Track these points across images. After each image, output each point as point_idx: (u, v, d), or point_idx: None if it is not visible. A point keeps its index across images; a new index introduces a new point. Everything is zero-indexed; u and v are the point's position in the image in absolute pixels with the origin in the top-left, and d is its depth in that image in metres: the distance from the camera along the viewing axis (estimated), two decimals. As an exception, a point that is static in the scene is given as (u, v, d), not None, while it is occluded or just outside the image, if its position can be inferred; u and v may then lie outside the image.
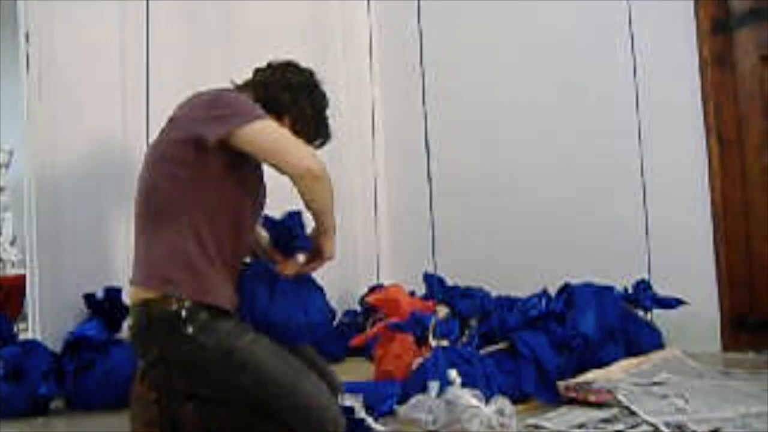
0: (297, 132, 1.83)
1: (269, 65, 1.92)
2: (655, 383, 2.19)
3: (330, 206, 1.73)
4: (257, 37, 3.23)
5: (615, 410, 1.97)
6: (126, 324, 2.08)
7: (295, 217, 1.85)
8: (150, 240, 1.71)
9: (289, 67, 1.93)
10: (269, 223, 1.86)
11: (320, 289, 1.84)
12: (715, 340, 2.78)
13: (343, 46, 3.76)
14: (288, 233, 1.84)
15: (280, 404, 1.62)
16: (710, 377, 2.29)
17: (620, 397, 2.01)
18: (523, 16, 3.36)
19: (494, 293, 2.95)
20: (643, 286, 2.68)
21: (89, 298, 2.63)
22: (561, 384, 2.14)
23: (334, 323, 3.21)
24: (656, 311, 2.67)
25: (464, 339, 2.43)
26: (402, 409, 1.91)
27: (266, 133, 1.65)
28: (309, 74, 1.93)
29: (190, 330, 1.63)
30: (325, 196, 1.70)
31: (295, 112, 1.87)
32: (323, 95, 1.94)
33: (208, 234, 1.65)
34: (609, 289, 2.56)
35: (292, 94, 1.87)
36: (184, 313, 1.63)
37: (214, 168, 1.65)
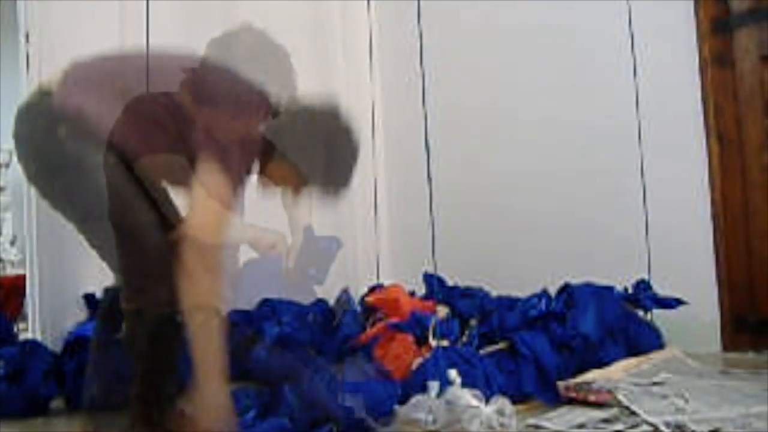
0: (243, 120, 1.77)
1: (199, 64, 1.83)
2: (655, 383, 2.19)
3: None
4: (257, 37, 3.22)
5: (615, 410, 1.97)
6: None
7: (334, 245, 1.86)
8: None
9: (317, 113, 1.85)
10: (309, 234, 1.87)
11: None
12: (715, 340, 2.78)
13: (343, 46, 3.76)
14: (316, 255, 1.86)
15: None
16: (710, 377, 2.29)
17: (620, 397, 2.01)
18: (523, 16, 3.36)
19: (494, 293, 2.94)
20: (643, 286, 2.68)
21: (89, 298, 2.63)
22: (561, 384, 2.14)
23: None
24: (656, 311, 2.67)
25: (464, 339, 2.42)
26: (402, 409, 1.91)
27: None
28: (336, 124, 1.85)
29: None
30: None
31: (220, 103, 1.76)
32: (346, 153, 1.85)
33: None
34: (609, 289, 2.56)
35: (215, 84, 1.78)
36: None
37: None
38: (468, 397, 1.83)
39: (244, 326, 2.83)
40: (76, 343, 2.47)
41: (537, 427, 1.90)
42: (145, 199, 1.73)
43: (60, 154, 1.73)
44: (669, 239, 2.87)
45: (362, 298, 3.28)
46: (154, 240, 1.70)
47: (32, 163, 1.81)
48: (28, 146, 1.80)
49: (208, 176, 1.69)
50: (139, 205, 1.71)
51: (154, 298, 1.66)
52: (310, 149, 1.81)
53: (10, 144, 5.84)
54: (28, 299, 2.72)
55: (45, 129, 1.75)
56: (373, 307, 2.89)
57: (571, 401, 2.08)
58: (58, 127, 1.72)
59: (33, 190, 2.66)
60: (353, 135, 1.88)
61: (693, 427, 1.77)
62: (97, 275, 2.68)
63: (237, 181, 1.77)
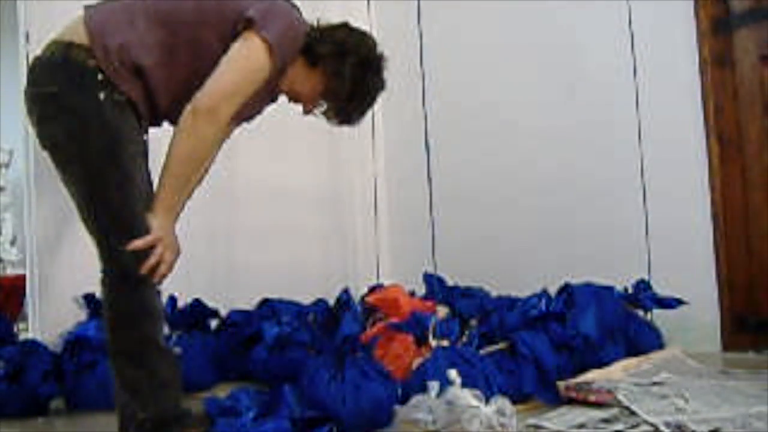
0: (329, 88, 1.83)
1: (345, 24, 1.92)
2: (655, 383, 2.19)
3: (180, 168, 1.69)
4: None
5: (615, 410, 1.97)
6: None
7: None
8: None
9: (356, 33, 1.90)
10: None
11: None
12: (715, 340, 2.78)
13: (343, 46, 3.76)
14: None
15: None
16: (710, 377, 2.29)
17: (620, 397, 2.01)
18: (523, 16, 3.36)
19: (494, 293, 2.95)
20: (643, 286, 2.68)
21: (89, 298, 2.63)
22: (561, 384, 2.14)
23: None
24: (656, 311, 2.67)
25: (464, 339, 2.42)
26: (402, 409, 1.91)
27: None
28: (373, 50, 1.88)
29: None
30: (186, 146, 1.67)
31: (331, 69, 1.82)
32: (376, 79, 1.88)
33: None
34: (609, 289, 2.56)
35: (338, 51, 1.83)
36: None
37: None
38: (468, 397, 1.83)
39: (244, 326, 2.84)
40: (76, 343, 2.48)
41: (537, 427, 1.90)
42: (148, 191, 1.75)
43: (98, 121, 1.66)
44: (669, 239, 2.87)
45: (362, 298, 3.29)
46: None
47: (60, 126, 1.68)
48: (57, 107, 1.68)
49: (247, 45, 1.71)
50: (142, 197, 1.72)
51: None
52: (342, 61, 1.83)
53: (10, 144, 5.83)
54: (28, 299, 2.73)
55: (81, 88, 1.67)
56: (373, 307, 2.90)
57: (571, 401, 2.08)
58: (97, 91, 1.67)
59: (33, 190, 2.67)
60: (385, 65, 1.90)
61: (693, 427, 1.77)
62: (97, 275, 2.70)
63: (275, 63, 1.75)
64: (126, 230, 1.67)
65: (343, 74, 1.83)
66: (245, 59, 1.71)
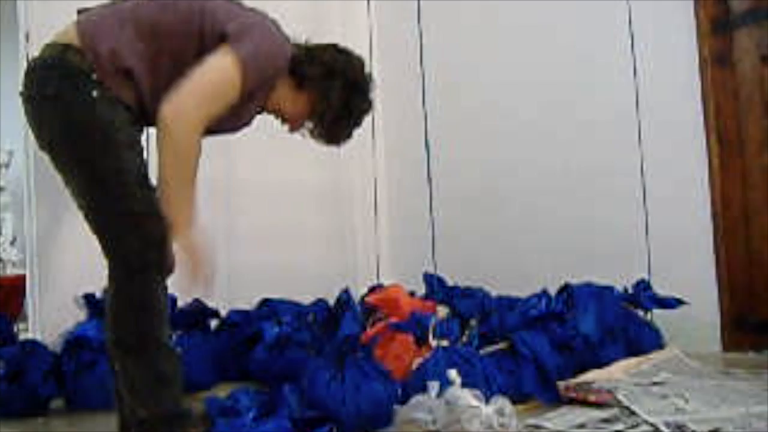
0: (316, 110, 1.84)
1: (333, 45, 1.92)
2: (655, 383, 2.19)
3: (175, 182, 1.69)
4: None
5: (615, 410, 1.97)
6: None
7: None
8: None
9: (343, 54, 1.90)
10: None
11: None
12: (715, 340, 2.78)
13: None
14: None
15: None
16: (710, 377, 2.29)
17: (620, 397, 2.01)
18: (523, 16, 3.36)
19: (494, 293, 2.94)
20: (643, 286, 2.68)
21: (89, 298, 2.63)
22: (561, 384, 2.14)
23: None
24: (656, 311, 2.67)
25: (464, 339, 2.43)
26: (402, 409, 1.91)
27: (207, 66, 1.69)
28: (360, 73, 1.89)
29: None
30: (170, 162, 1.66)
31: (318, 91, 1.83)
32: (363, 101, 1.89)
33: None
34: (609, 289, 2.56)
35: (325, 74, 1.83)
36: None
37: None
38: (468, 397, 1.83)
39: (243, 326, 2.84)
40: (76, 343, 2.48)
41: (537, 427, 1.90)
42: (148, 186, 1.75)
43: (91, 116, 1.68)
44: (669, 239, 2.87)
45: (362, 298, 3.29)
46: (158, 230, 1.71)
47: (57, 125, 1.71)
48: (53, 107, 1.71)
49: (217, 57, 1.70)
50: (146, 193, 1.73)
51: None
52: (329, 84, 1.83)
53: (10, 144, 5.83)
54: (28, 299, 2.73)
55: (76, 88, 1.69)
56: (373, 307, 2.90)
57: (571, 401, 2.08)
58: (91, 89, 1.69)
59: (33, 190, 2.67)
60: (373, 88, 1.91)
61: (693, 427, 1.77)
62: (97, 275, 2.70)
63: (250, 78, 1.73)
64: (126, 220, 1.69)
65: (330, 97, 1.84)
66: (213, 71, 1.70)
